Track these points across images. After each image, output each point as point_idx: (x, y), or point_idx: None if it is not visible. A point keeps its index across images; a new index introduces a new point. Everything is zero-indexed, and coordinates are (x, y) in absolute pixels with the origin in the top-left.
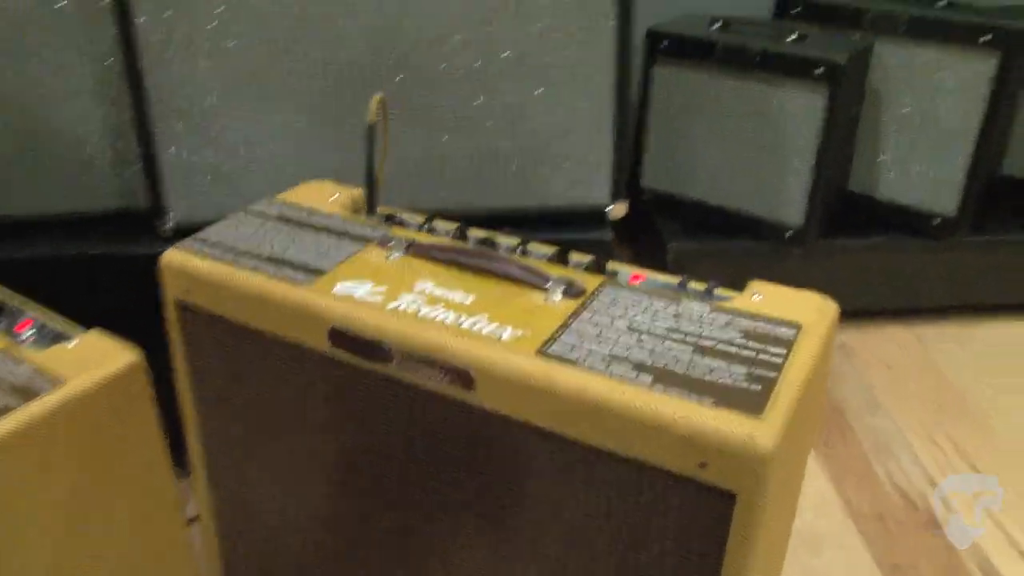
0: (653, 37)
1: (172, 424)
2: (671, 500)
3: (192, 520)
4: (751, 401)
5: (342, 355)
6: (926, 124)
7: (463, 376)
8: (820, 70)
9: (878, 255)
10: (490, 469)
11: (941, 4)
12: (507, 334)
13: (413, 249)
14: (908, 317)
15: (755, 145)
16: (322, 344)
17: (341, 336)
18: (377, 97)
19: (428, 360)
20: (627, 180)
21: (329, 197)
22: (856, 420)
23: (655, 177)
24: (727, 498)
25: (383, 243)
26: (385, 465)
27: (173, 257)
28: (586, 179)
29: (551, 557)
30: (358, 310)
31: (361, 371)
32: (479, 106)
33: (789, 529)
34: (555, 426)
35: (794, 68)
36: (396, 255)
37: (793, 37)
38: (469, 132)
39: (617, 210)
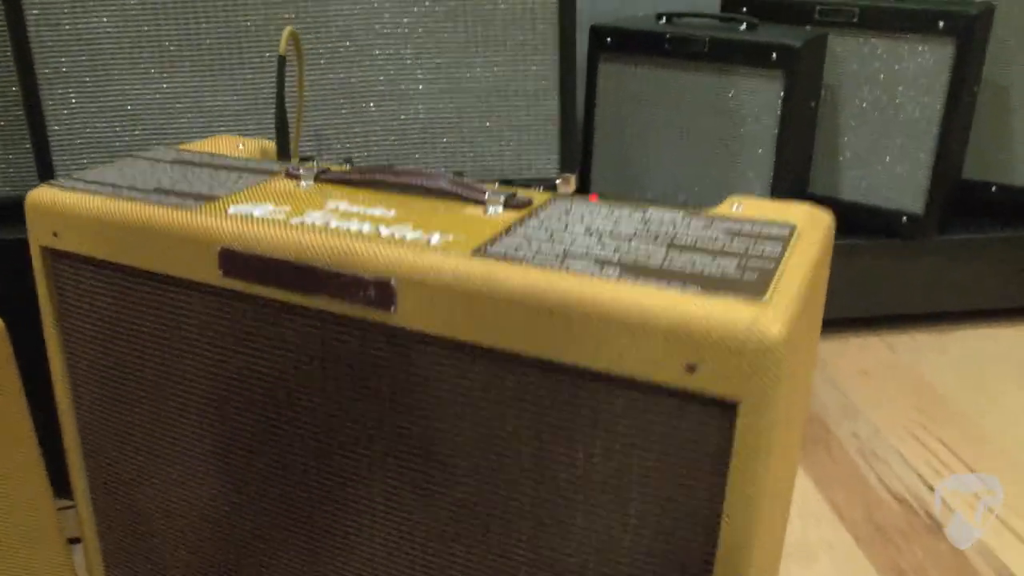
0: (596, 33)
1: (43, 412)
2: (652, 423)
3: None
4: (749, 287)
5: (236, 285)
6: (886, 118)
7: (382, 290)
8: (774, 56)
9: (844, 259)
10: (417, 406)
11: None
12: (436, 239)
13: (326, 176)
14: (877, 326)
15: (710, 140)
16: (212, 274)
17: (233, 259)
18: (288, 29)
19: (337, 275)
20: (579, 158)
21: (236, 147)
22: (837, 427)
23: (605, 178)
24: (726, 410)
25: (291, 174)
26: (291, 417)
27: (41, 195)
28: (532, 149)
29: (497, 514)
30: (253, 227)
31: (259, 303)
32: (408, 70)
33: (795, 466)
34: (496, 340)
35: (747, 56)
36: (306, 184)
37: (743, 28)
38: (400, 100)
39: (565, 183)
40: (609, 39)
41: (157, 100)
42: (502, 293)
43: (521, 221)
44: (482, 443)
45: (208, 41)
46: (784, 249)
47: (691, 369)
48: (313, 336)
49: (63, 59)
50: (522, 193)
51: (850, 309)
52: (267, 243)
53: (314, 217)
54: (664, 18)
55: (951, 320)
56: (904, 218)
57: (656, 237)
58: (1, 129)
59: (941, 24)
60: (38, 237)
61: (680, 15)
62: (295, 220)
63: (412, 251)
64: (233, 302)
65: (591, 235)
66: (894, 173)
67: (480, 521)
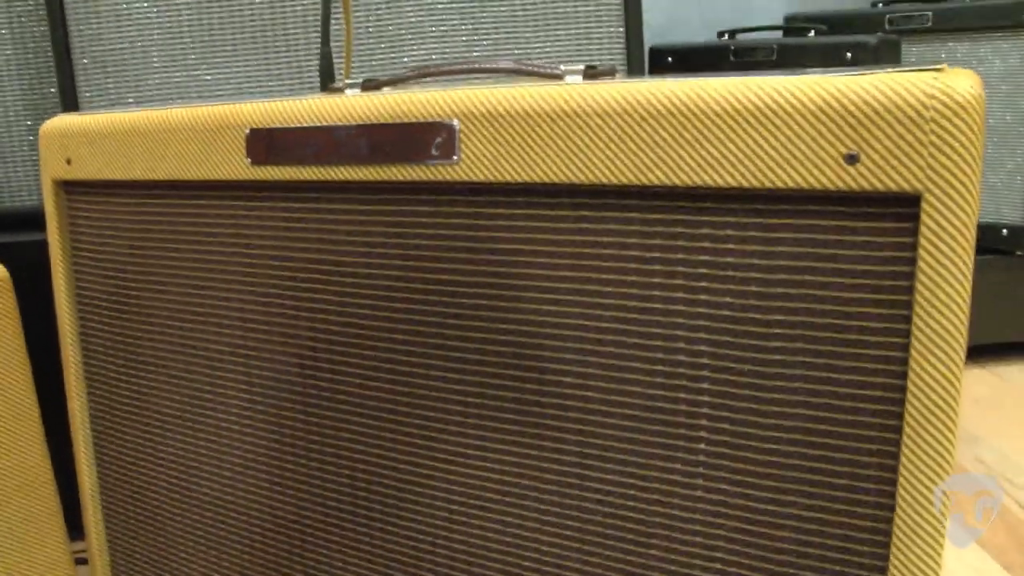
0: (656, 54)
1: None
2: (802, 245)
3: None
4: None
5: (267, 173)
6: None
7: (443, 134)
8: (848, 55)
9: None
10: (504, 276)
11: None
12: (505, 87)
13: (374, 83)
14: (982, 356)
15: None
16: (240, 166)
17: (262, 140)
18: None
19: (387, 129)
20: None
21: None
22: (960, 456)
23: None
24: (903, 209)
25: (332, 89)
26: (343, 324)
27: (56, 122)
28: None
29: (609, 413)
30: (282, 105)
31: (293, 193)
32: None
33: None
34: (584, 174)
35: (821, 57)
36: (351, 92)
37: (811, 34)
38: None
39: None
40: (670, 58)
41: (197, 87)
42: (589, 109)
43: (606, 81)
44: (585, 311)
45: (251, 26)
46: None
47: (851, 160)
48: (362, 218)
49: (101, 47)
50: (604, 66)
51: None
52: (299, 115)
53: (354, 92)
54: (726, 35)
55: None
56: (1004, 230)
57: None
58: (32, 130)
59: None
60: (51, 169)
61: (743, 30)
62: (329, 96)
63: (477, 90)
64: (264, 200)
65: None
66: (988, 184)
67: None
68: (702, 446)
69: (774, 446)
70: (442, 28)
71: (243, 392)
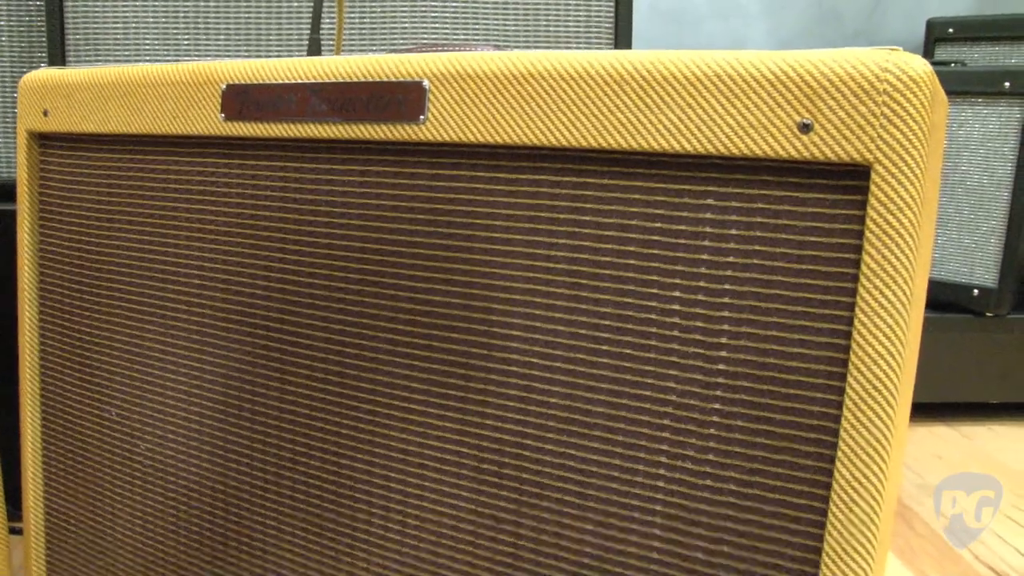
0: None
1: None
2: (755, 212)
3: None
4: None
5: (241, 129)
6: (952, 186)
7: (412, 93)
8: None
9: None
10: (463, 237)
11: (952, 67)
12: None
13: None
14: (948, 414)
15: None
16: (214, 121)
17: (237, 95)
18: None
19: (357, 87)
20: None
21: None
22: (918, 505)
23: None
24: (855, 178)
25: None
26: (308, 282)
27: (36, 75)
28: None
29: (569, 374)
30: (259, 65)
31: (266, 149)
32: None
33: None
34: (547, 136)
35: None
36: None
37: None
38: None
39: None
40: None
41: None
42: (555, 72)
43: None
44: (536, 272)
45: (245, 14)
46: None
47: (805, 129)
48: (328, 177)
49: (95, 28)
50: None
51: (919, 393)
52: (275, 73)
53: (331, 56)
54: None
55: None
56: (975, 291)
57: None
58: None
59: (1007, 84)
60: (26, 120)
61: None
62: (307, 57)
63: (447, 54)
64: (233, 158)
65: None
66: (962, 244)
67: (547, 386)
68: (645, 412)
69: (717, 417)
70: (433, 21)
71: (194, 352)
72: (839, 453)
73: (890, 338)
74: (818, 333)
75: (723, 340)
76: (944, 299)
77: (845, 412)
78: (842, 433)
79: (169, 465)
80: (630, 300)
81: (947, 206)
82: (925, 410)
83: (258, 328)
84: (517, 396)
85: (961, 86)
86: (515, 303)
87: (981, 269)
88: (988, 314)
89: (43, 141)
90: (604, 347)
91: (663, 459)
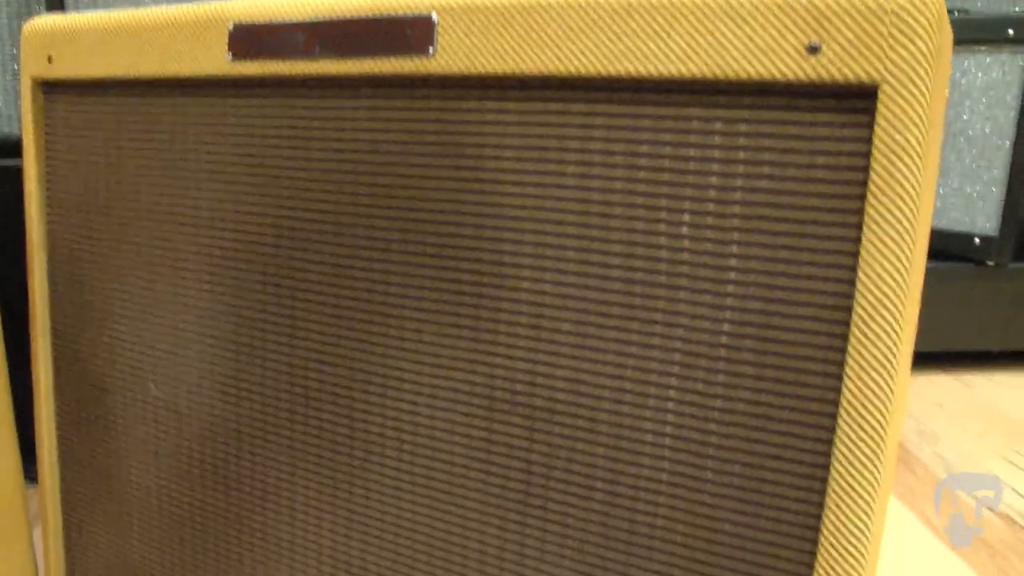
0: None
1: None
2: (763, 135)
3: None
4: None
5: (248, 68)
6: (955, 135)
7: (420, 26)
8: None
9: None
10: (473, 168)
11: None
12: None
13: None
14: (950, 363)
15: None
16: (221, 61)
17: (244, 34)
18: None
19: (364, 23)
20: None
21: None
22: (919, 451)
23: None
24: (863, 98)
25: None
26: (319, 220)
27: (40, 21)
28: None
29: (574, 306)
30: (266, 2)
31: (273, 88)
32: None
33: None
34: (555, 65)
35: None
36: None
37: None
38: None
39: None
40: None
41: None
42: (564, 1)
43: None
44: (547, 205)
45: None
46: None
47: (813, 50)
48: (337, 113)
49: None
50: None
51: (920, 343)
52: (283, 11)
53: None
54: None
55: None
56: (977, 239)
57: None
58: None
59: (1011, 32)
60: (31, 67)
61: None
62: None
63: None
64: (241, 97)
65: None
66: (964, 193)
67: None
68: (656, 336)
69: (727, 338)
70: None
71: (205, 293)
72: (847, 369)
73: (897, 255)
74: (826, 253)
75: (732, 263)
76: (946, 248)
77: (853, 328)
78: (850, 349)
79: (182, 407)
80: (640, 226)
81: (949, 155)
82: (926, 359)
83: (269, 266)
84: (528, 324)
85: (964, 34)
86: (525, 231)
87: (982, 218)
88: (989, 263)
89: (48, 88)
90: (615, 273)
91: (673, 382)
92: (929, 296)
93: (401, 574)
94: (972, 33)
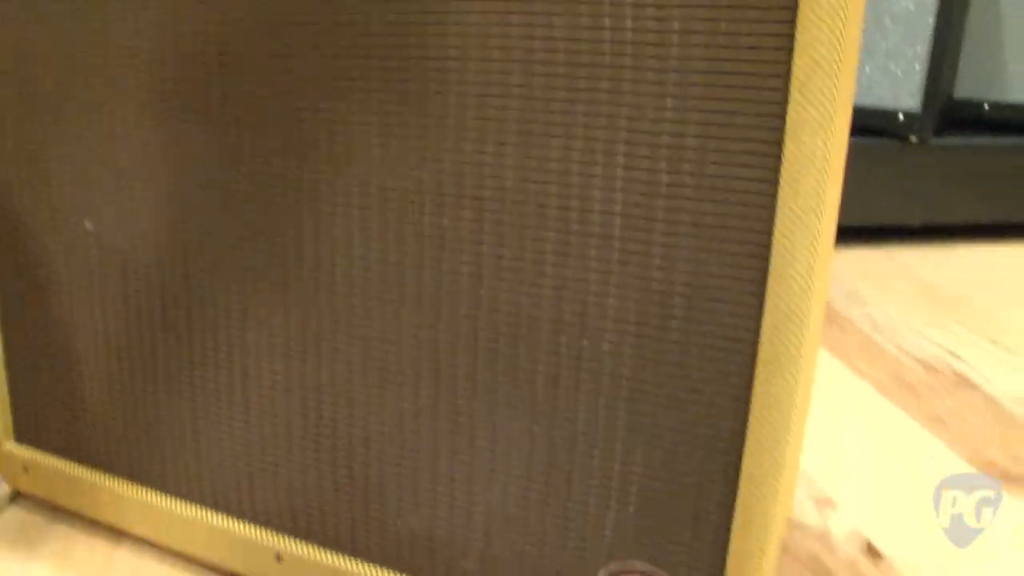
0: None
1: None
2: None
3: None
4: None
5: None
6: (879, 15)
7: None
8: None
9: None
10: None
11: None
12: None
13: None
14: (876, 238)
15: None
16: None
17: None
18: None
19: None
20: None
21: None
22: (847, 311)
23: None
24: None
25: None
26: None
27: None
28: None
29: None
30: None
31: None
32: None
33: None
34: None
35: None
36: None
37: None
38: None
39: None
40: None
41: None
42: None
43: None
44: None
45: None
46: None
47: None
48: None
49: None
50: None
51: (847, 216)
52: None
53: None
54: None
55: (952, 236)
56: (901, 116)
57: None
58: None
59: None
60: None
61: None
62: None
63: None
64: None
65: None
66: (888, 71)
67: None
68: (602, 115)
69: (671, 113)
70: None
71: (147, 123)
72: (782, 172)
73: (825, 100)
74: (763, 77)
75: (674, 40)
76: (870, 125)
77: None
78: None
79: (126, 246)
80: (584, 9)
81: (874, 33)
82: (852, 233)
83: (214, 89)
84: (474, 116)
85: None
86: (470, 23)
87: (906, 95)
88: (912, 139)
89: None
90: (559, 58)
91: (620, 158)
92: (854, 171)
93: (355, 387)
94: None
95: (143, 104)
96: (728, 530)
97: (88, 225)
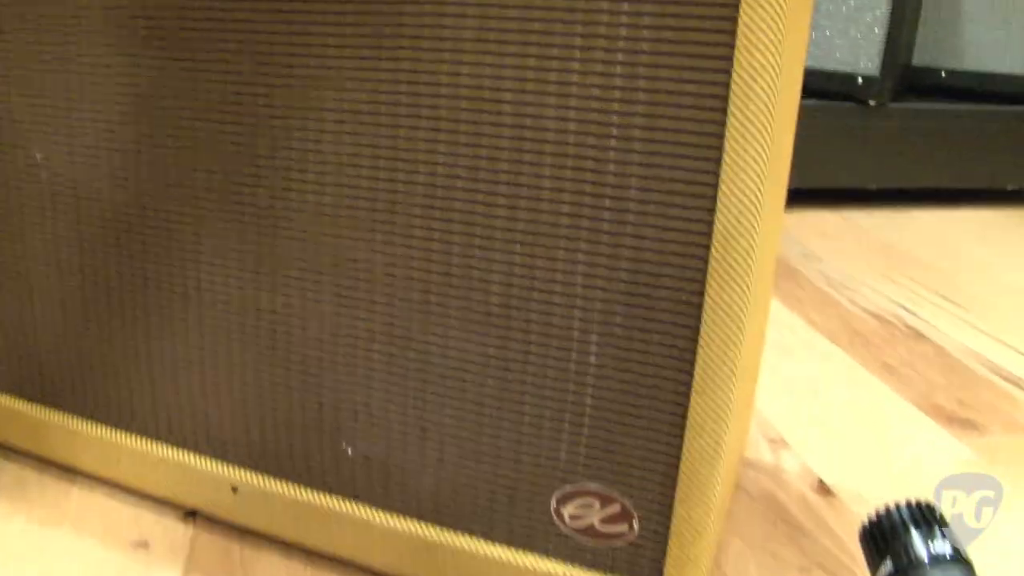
0: None
1: None
2: None
3: None
4: None
5: None
6: None
7: None
8: None
9: (797, 125)
10: None
11: None
12: None
13: None
14: (832, 201)
15: None
16: None
17: None
18: None
19: None
20: None
21: None
22: (803, 267)
23: None
24: None
25: None
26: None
27: None
28: None
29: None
30: None
31: None
32: None
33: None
34: None
35: None
36: None
37: None
38: None
39: None
40: None
41: None
42: None
43: None
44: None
45: None
46: None
47: None
48: None
49: None
50: None
51: (804, 179)
52: None
53: None
54: None
55: (907, 200)
56: (859, 79)
57: None
58: None
59: None
60: None
61: None
62: None
63: None
64: None
65: None
66: (847, 35)
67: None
68: (558, 29)
69: (625, 40)
70: None
71: (101, 49)
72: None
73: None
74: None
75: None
76: (828, 88)
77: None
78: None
79: (77, 174)
80: None
81: None
82: (810, 196)
83: (166, 5)
84: (431, 36)
85: None
86: None
87: (864, 58)
88: (870, 102)
89: None
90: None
91: (575, 66)
92: (812, 134)
93: (309, 313)
94: None
95: (96, 30)
96: (679, 449)
97: (37, 156)
